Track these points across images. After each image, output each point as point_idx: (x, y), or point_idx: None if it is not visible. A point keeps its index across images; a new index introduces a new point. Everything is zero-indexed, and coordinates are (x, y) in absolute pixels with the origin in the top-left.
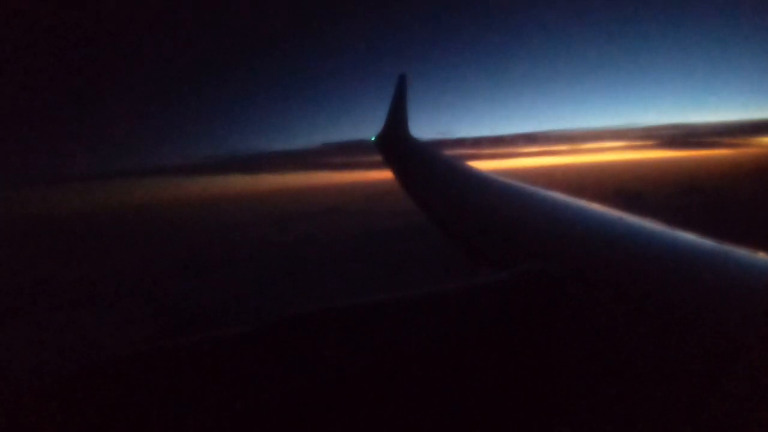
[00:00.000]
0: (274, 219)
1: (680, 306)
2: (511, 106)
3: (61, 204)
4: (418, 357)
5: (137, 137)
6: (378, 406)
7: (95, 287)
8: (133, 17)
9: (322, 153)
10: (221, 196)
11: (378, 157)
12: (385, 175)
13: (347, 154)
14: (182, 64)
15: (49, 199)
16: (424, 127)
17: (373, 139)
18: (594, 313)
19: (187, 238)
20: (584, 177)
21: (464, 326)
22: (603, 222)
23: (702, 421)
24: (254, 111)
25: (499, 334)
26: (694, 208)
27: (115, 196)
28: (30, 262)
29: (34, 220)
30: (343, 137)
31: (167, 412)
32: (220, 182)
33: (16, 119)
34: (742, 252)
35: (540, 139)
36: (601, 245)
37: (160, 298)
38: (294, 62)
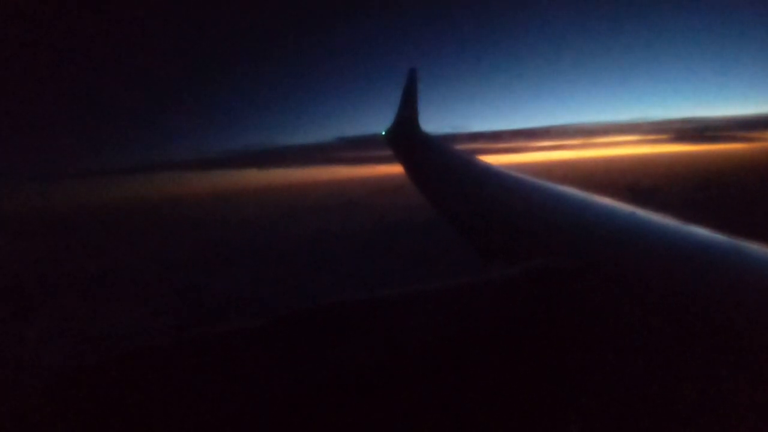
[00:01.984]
0: (288, 213)
1: (693, 301)
2: (523, 101)
3: (74, 199)
4: (428, 352)
5: (152, 132)
6: (386, 401)
7: (107, 282)
8: (150, 8)
9: (337, 147)
10: (236, 191)
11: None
12: (399, 169)
13: (362, 148)
14: (198, 58)
15: (63, 194)
16: (438, 122)
17: (383, 133)
18: (605, 309)
19: (201, 232)
20: (597, 171)
21: (475, 321)
22: (615, 217)
23: (718, 420)
24: (269, 105)
25: (510, 329)
26: (707, 202)
27: (130, 191)
28: (41, 257)
29: (46, 215)
30: (358, 131)
31: (173, 407)
32: (234, 176)
33: (36, 114)
34: (755, 247)
35: (552, 134)
36: (612, 241)
37: (173, 292)
38: (309, 56)
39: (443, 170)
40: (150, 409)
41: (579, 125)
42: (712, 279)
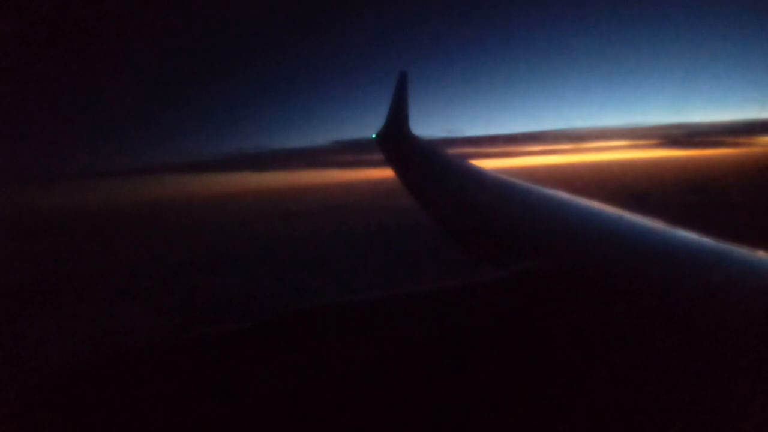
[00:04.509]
0: (284, 216)
1: (680, 304)
2: (515, 105)
3: (70, 201)
4: (419, 353)
5: (147, 134)
6: (378, 400)
7: (102, 284)
8: (144, 10)
9: (333, 151)
10: (232, 193)
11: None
12: (391, 172)
13: (358, 151)
14: (193, 60)
15: (58, 195)
16: (430, 125)
17: (373, 136)
18: (594, 312)
19: (197, 234)
20: (588, 176)
21: (465, 323)
22: (603, 220)
23: (705, 420)
24: (265, 108)
25: (500, 330)
26: (696, 207)
27: (124, 193)
28: (40, 257)
29: (43, 217)
30: (354, 135)
31: (169, 406)
32: (230, 179)
33: (30, 115)
34: (742, 251)
35: (544, 138)
36: (601, 244)
37: (169, 294)
38: (305, 59)
39: (433, 173)
40: (150, 409)
41: (571, 130)
42: (699, 281)
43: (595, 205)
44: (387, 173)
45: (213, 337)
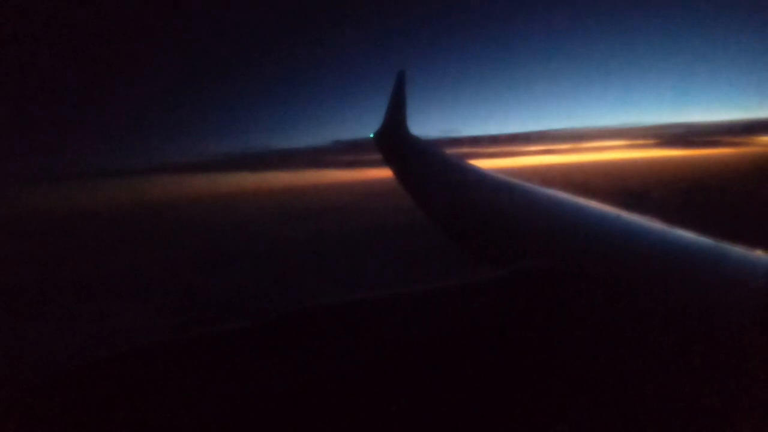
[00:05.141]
0: (283, 216)
1: (679, 303)
2: (513, 105)
3: (70, 201)
4: (418, 353)
5: (147, 134)
6: (376, 401)
7: (102, 284)
8: (144, 10)
9: (334, 151)
10: (232, 194)
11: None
12: (389, 172)
13: (359, 152)
14: (193, 60)
15: (60, 196)
16: (428, 125)
17: (371, 135)
18: (592, 311)
19: (197, 235)
20: (586, 176)
21: (464, 323)
22: (601, 220)
23: (700, 419)
24: (265, 108)
25: (498, 330)
26: (695, 206)
27: (125, 194)
28: (40, 257)
29: (45, 216)
30: (354, 135)
31: (167, 406)
32: (231, 179)
33: (30, 115)
34: (740, 250)
35: (541, 138)
36: (599, 243)
37: (169, 294)
38: (305, 59)
39: (431, 173)
40: (150, 409)
41: (568, 130)
42: (698, 281)
43: (594, 204)
44: (386, 173)
45: (213, 337)
